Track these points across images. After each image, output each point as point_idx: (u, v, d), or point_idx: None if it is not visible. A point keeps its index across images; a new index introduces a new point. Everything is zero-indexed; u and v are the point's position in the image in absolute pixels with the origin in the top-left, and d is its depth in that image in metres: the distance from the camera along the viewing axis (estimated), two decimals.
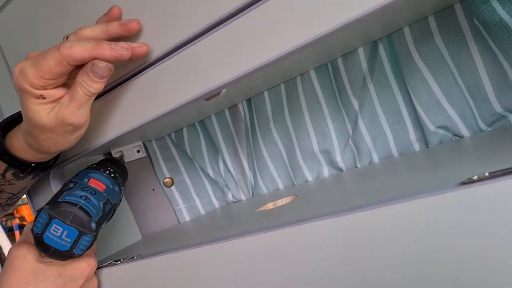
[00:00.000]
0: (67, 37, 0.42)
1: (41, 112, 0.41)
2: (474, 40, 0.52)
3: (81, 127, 0.44)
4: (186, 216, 0.77)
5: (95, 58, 0.39)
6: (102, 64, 0.39)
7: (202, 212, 0.78)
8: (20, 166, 0.47)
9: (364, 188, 0.45)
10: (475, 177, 0.28)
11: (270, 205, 0.58)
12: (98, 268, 0.52)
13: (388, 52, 0.58)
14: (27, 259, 0.45)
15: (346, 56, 0.61)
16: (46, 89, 0.40)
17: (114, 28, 0.41)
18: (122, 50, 0.39)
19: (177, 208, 0.77)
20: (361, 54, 0.60)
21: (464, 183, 0.29)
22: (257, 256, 0.38)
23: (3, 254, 3.37)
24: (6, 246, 3.34)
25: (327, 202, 0.44)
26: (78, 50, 0.38)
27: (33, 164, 0.48)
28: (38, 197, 0.59)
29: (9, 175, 0.47)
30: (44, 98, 0.40)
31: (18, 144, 0.45)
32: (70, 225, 0.43)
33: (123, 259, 0.51)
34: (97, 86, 0.40)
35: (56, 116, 0.41)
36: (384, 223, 0.31)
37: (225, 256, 0.40)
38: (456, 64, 0.54)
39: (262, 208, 0.57)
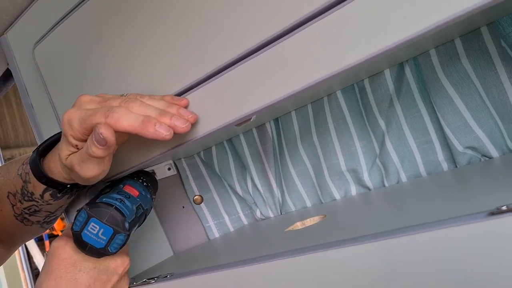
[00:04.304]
0: (127, 95, 0.45)
1: (65, 151, 0.44)
2: (502, 62, 0.52)
3: (87, 180, 0.45)
4: (216, 233, 0.79)
5: (137, 134, 0.40)
6: (99, 130, 0.39)
7: (231, 228, 0.80)
8: (58, 187, 0.50)
9: (393, 211, 0.45)
10: (504, 207, 0.29)
11: (298, 225, 0.59)
12: (132, 286, 0.54)
13: (415, 73, 0.59)
14: (66, 249, 0.48)
15: (372, 77, 0.62)
16: (83, 141, 0.43)
17: (168, 99, 0.44)
18: (165, 132, 0.40)
19: (207, 225, 0.79)
20: (388, 76, 0.60)
21: (493, 214, 0.29)
22: (289, 280, 0.39)
23: (34, 263, 3.45)
24: (37, 255, 3.42)
25: (356, 224, 0.45)
26: (123, 125, 0.39)
27: (69, 186, 0.50)
28: (73, 213, 0.61)
29: (47, 195, 0.50)
30: (78, 148, 0.43)
31: (55, 168, 0.48)
32: (106, 224, 0.46)
33: (157, 277, 0.53)
34: (95, 149, 0.40)
35: (71, 160, 0.44)
36: (413, 251, 0.32)
37: (259, 278, 0.41)
38: (483, 85, 0.54)
39: (291, 228, 0.58)
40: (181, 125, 0.41)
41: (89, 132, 0.41)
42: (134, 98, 0.43)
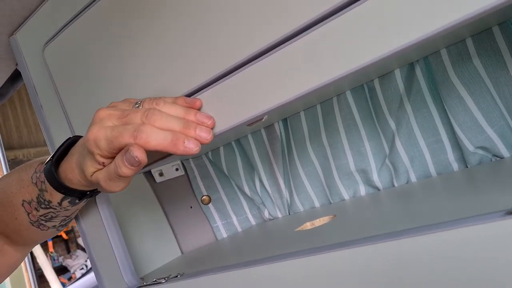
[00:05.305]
0: (141, 102, 0.44)
1: (91, 168, 0.44)
2: None
3: (111, 193, 0.46)
4: (223, 233, 0.79)
5: (168, 152, 0.40)
6: (134, 154, 0.39)
7: (239, 229, 0.80)
8: (76, 195, 0.50)
9: (404, 211, 0.45)
10: None
11: (308, 225, 0.59)
12: (142, 286, 0.54)
13: (425, 73, 0.59)
14: None
15: (382, 77, 0.61)
16: (109, 158, 0.43)
17: (181, 103, 0.44)
18: (195, 147, 0.40)
19: (215, 225, 0.79)
20: (398, 75, 0.60)
21: (511, 213, 0.29)
22: (300, 280, 0.39)
23: (37, 263, 3.45)
24: (40, 255, 3.42)
25: (367, 224, 0.44)
26: (153, 144, 0.40)
27: (88, 192, 0.50)
28: (84, 216, 0.61)
29: (65, 203, 0.50)
30: (104, 165, 0.43)
31: (74, 178, 0.47)
32: None
33: (167, 278, 0.53)
34: (125, 170, 0.41)
35: (96, 176, 0.44)
36: (428, 251, 0.32)
37: (269, 279, 0.41)
38: (495, 85, 0.54)
39: (300, 228, 0.58)
40: (207, 136, 0.42)
41: (117, 152, 0.42)
42: (152, 108, 0.43)
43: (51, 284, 3.20)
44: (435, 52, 0.56)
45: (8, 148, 3.82)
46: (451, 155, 0.59)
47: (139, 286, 0.54)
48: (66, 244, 4.16)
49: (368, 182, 0.66)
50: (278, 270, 0.41)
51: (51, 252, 3.86)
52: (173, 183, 0.77)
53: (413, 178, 0.62)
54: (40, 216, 0.52)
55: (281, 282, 0.41)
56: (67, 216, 0.54)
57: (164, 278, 0.53)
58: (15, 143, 3.95)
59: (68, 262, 3.90)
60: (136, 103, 0.45)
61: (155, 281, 0.53)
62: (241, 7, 0.41)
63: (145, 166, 0.51)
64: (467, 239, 0.30)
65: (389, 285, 0.34)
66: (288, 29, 0.38)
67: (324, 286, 0.37)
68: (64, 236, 4.03)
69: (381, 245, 0.34)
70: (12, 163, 3.42)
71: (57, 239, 4.04)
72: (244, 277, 0.44)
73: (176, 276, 0.52)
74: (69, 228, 4.02)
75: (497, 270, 0.29)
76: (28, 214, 0.52)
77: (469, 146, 0.56)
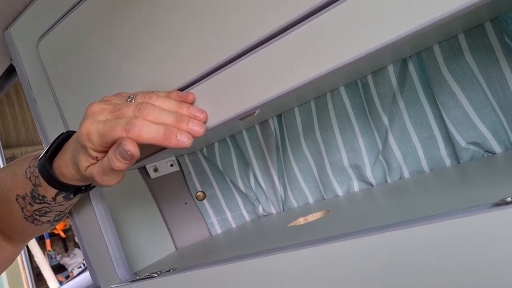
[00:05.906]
0: (133, 96, 0.44)
1: (85, 163, 0.44)
2: (505, 57, 0.52)
3: (106, 187, 0.46)
4: (218, 229, 0.79)
5: (160, 145, 0.40)
6: (126, 148, 0.40)
7: (233, 225, 0.80)
8: (71, 190, 0.50)
9: (396, 206, 0.45)
10: (509, 199, 0.29)
11: (301, 220, 0.59)
12: (135, 281, 0.54)
13: (418, 69, 0.59)
14: None
15: (376, 73, 0.62)
16: (103, 152, 0.43)
17: (174, 97, 0.44)
18: (187, 140, 0.40)
19: (209, 221, 0.79)
20: (391, 71, 0.61)
21: (498, 205, 0.29)
22: (292, 273, 0.39)
23: (35, 262, 3.45)
24: (38, 253, 3.42)
25: (359, 218, 0.45)
26: (145, 137, 0.40)
27: (82, 187, 0.50)
28: (78, 212, 0.61)
29: (59, 198, 0.50)
30: (98, 159, 0.43)
31: (68, 173, 0.47)
32: None
33: (160, 272, 0.53)
34: (118, 164, 0.41)
35: (90, 171, 0.44)
36: (417, 243, 0.32)
37: (261, 272, 0.42)
38: (487, 81, 0.54)
39: (293, 223, 0.58)
40: (199, 130, 0.42)
41: (109, 146, 0.42)
42: (144, 102, 0.43)
43: (48, 282, 3.20)
44: (427, 48, 0.57)
45: (5, 146, 3.82)
46: (443, 151, 0.59)
47: (132, 281, 0.54)
48: (64, 242, 4.16)
49: (362, 178, 0.66)
50: (269, 263, 0.41)
51: (49, 251, 3.86)
52: (167, 179, 0.78)
53: (406, 174, 0.63)
54: (34, 211, 0.52)
55: (273, 275, 0.41)
56: (61, 211, 0.54)
57: (157, 273, 0.53)
58: (13, 141, 3.95)
59: (65, 261, 3.90)
60: (129, 97, 0.45)
61: (148, 275, 0.53)
62: (232, 2, 0.41)
63: (138, 161, 0.51)
64: (455, 231, 0.30)
65: (380, 276, 0.34)
66: (279, 23, 0.38)
67: (316, 278, 0.38)
68: (62, 234, 4.03)
69: (372, 237, 0.34)
70: (10, 161, 3.42)
71: (55, 237, 4.04)
72: (236, 271, 0.44)
73: (169, 271, 0.52)
74: (67, 227, 4.03)
75: (484, 260, 0.29)
76: (22, 209, 0.52)
77: (461, 141, 0.56)
